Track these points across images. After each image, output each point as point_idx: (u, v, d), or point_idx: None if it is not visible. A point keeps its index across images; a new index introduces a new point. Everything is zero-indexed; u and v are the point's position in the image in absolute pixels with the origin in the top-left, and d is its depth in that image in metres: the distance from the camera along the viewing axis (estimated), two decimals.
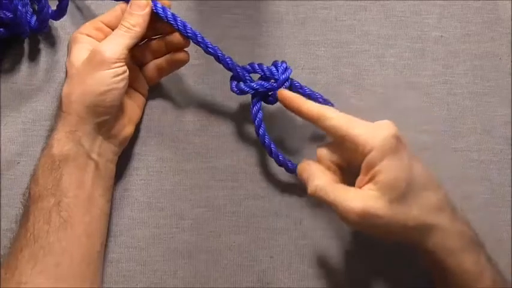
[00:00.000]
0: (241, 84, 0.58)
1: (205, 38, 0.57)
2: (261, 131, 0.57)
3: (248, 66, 0.58)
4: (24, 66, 0.61)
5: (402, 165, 0.49)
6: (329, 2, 0.65)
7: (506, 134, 0.63)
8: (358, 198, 0.48)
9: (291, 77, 0.58)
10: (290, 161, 0.58)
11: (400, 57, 0.64)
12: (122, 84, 0.54)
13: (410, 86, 0.64)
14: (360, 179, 0.50)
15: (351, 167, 0.52)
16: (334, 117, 0.51)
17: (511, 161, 0.62)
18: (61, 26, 0.62)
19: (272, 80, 0.58)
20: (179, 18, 0.56)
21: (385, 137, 0.49)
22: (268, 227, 0.59)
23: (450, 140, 0.62)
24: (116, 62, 0.53)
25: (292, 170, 0.58)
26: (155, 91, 0.61)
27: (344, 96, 0.63)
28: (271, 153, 0.58)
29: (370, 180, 0.49)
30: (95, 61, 0.53)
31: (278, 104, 0.58)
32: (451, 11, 0.66)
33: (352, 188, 0.50)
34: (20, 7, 0.56)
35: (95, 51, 0.53)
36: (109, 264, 0.57)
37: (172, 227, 0.59)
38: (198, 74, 0.62)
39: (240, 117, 0.61)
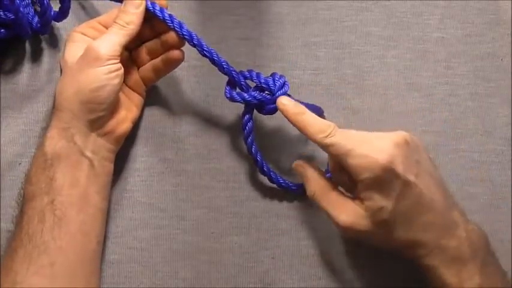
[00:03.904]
0: (234, 93, 0.57)
1: (201, 40, 0.56)
2: (249, 140, 0.57)
3: (246, 72, 0.58)
4: (26, 67, 0.61)
5: (388, 195, 0.50)
6: (330, 3, 0.65)
7: (507, 135, 0.63)
8: (347, 213, 0.52)
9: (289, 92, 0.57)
10: (273, 172, 0.58)
11: (402, 58, 0.64)
12: (116, 81, 0.54)
13: (412, 87, 0.64)
14: (356, 190, 0.53)
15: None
16: (333, 140, 0.52)
17: None
18: (63, 27, 0.61)
19: (267, 92, 0.57)
20: (176, 19, 0.56)
21: (375, 169, 0.50)
22: (270, 228, 0.59)
23: (451, 141, 0.62)
24: (110, 59, 0.53)
25: (275, 181, 0.58)
26: (156, 92, 0.61)
27: (345, 98, 0.63)
28: (256, 163, 0.58)
29: (360, 200, 0.52)
30: (88, 58, 0.53)
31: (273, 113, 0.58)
32: (452, 12, 0.66)
33: (344, 199, 0.53)
34: (21, 8, 0.56)
35: (88, 48, 0.53)
36: (110, 265, 0.57)
37: (174, 228, 0.59)
38: (199, 75, 0.62)
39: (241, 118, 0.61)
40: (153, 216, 0.59)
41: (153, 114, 0.61)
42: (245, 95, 0.57)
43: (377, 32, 0.65)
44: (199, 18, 0.64)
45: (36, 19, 0.58)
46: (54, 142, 0.53)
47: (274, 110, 0.56)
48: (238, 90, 0.58)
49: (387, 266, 0.59)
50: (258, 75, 0.57)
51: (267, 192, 0.60)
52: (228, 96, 0.57)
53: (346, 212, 0.52)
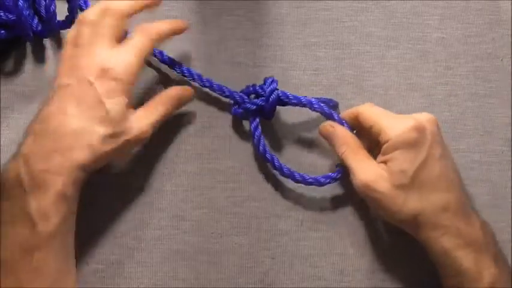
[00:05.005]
0: (238, 110, 0.59)
1: (202, 76, 0.59)
2: (261, 147, 0.59)
3: (245, 89, 0.60)
4: (27, 68, 0.61)
5: (413, 159, 0.53)
6: (330, 3, 0.65)
7: (507, 135, 0.63)
8: (370, 172, 0.54)
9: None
10: (297, 173, 0.59)
11: (402, 59, 0.64)
12: None
13: (412, 88, 0.64)
14: (378, 157, 0.55)
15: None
16: (366, 110, 0.57)
17: None
18: None
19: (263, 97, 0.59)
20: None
21: (403, 130, 0.53)
22: (270, 228, 0.59)
23: (451, 141, 0.62)
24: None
25: (299, 180, 0.58)
26: (156, 92, 0.61)
27: (345, 98, 0.63)
28: (274, 167, 0.59)
29: (384, 162, 0.54)
30: None
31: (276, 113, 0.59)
32: (452, 12, 0.66)
33: (369, 159, 0.56)
34: (24, 11, 0.57)
35: None
36: (110, 265, 0.57)
37: (174, 228, 0.59)
38: None
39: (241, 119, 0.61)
40: (153, 216, 0.59)
41: None
42: (246, 105, 0.58)
43: (377, 32, 0.65)
44: (199, 19, 0.64)
45: (35, 20, 0.58)
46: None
47: (273, 110, 0.59)
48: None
49: (388, 267, 0.59)
50: (253, 87, 0.59)
51: (267, 193, 0.60)
52: (234, 114, 0.60)
53: (369, 170, 0.54)
